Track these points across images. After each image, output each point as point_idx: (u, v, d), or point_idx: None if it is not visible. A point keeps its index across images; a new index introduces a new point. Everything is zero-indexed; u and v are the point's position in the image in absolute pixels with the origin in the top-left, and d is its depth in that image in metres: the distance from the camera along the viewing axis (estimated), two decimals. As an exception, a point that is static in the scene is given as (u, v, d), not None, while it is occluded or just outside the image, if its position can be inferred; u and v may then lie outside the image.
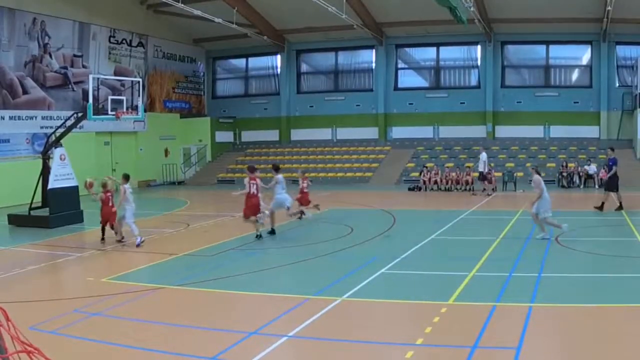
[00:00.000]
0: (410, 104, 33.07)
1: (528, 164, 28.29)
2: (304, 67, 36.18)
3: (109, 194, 13.97)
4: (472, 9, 24.15)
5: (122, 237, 13.73)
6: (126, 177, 13.97)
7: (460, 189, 25.20)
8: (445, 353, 6.47)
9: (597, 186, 24.36)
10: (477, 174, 24.58)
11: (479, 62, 32.17)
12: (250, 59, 36.95)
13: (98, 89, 18.78)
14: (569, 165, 26.43)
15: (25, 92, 24.76)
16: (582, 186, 25.33)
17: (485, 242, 12.60)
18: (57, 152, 17.36)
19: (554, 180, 26.34)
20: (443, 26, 29.01)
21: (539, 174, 13.49)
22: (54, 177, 17.02)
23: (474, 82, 32.57)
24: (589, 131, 30.28)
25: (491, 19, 29.39)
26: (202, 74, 36.66)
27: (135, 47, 30.92)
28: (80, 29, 27.37)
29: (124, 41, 30.05)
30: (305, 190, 16.70)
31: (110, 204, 13.93)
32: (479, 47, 31.95)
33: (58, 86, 26.30)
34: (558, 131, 30.67)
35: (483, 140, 31.10)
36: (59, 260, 12.08)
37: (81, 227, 16.62)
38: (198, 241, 13.71)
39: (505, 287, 8.95)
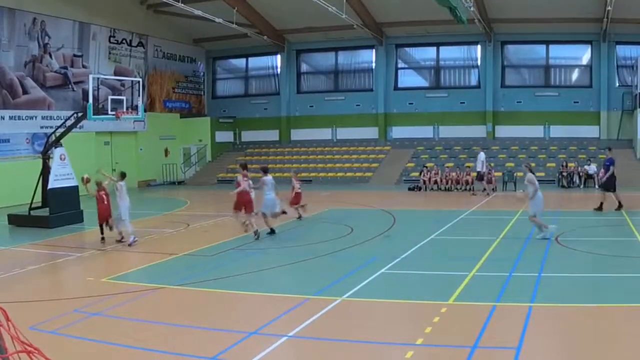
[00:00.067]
0: (410, 103, 33.06)
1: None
2: (304, 67, 36.18)
3: (102, 192, 13.98)
4: (472, 9, 24.15)
5: (122, 238, 13.74)
6: (122, 175, 14.08)
7: (460, 189, 25.20)
8: (445, 353, 6.47)
9: (596, 186, 24.33)
10: (475, 174, 24.59)
11: (479, 62, 32.16)
12: (250, 59, 36.95)
13: (98, 89, 18.78)
14: (569, 165, 26.43)
15: (25, 92, 24.77)
16: (582, 186, 25.33)
17: (485, 242, 12.60)
18: (57, 152, 17.36)
19: (553, 180, 26.35)
20: (443, 26, 29.01)
21: (533, 173, 13.48)
22: (54, 177, 17.02)
23: (474, 82, 32.56)
24: (589, 131, 30.27)
25: (491, 19, 29.39)
26: (202, 74, 36.66)
27: (135, 47, 30.93)
28: (80, 29, 27.37)
29: (124, 41, 30.05)
30: (297, 191, 16.77)
31: (106, 202, 13.96)
32: (479, 47, 31.95)
33: (58, 86, 26.30)
34: (558, 131, 30.66)
35: (483, 140, 31.11)
36: (59, 260, 12.08)
37: (81, 227, 16.61)
38: (198, 241, 13.71)
39: (505, 287, 8.95)
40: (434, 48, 33.12)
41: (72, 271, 11.48)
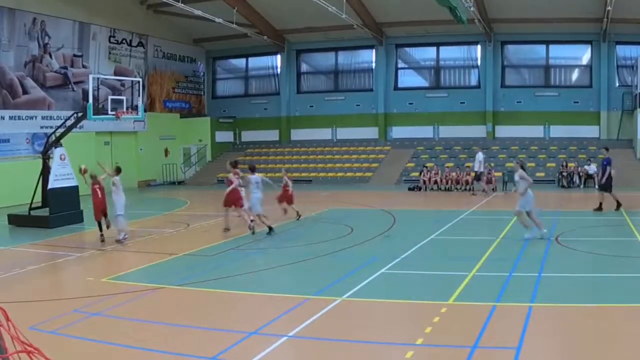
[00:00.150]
0: (410, 103, 33.07)
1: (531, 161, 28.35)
2: (304, 67, 36.18)
3: (97, 186, 14.05)
4: (472, 9, 24.15)
5: (125, 234, 13.84)
6: (117, 170, 14.19)
7: (460, 189, 25.21)
8: (445, 353, 6.47)
9: (596, 186, 24.32)
10: (474, 174, 24.60)
11: (479, 62, 32.17)
12: (250, 59, 36.96)
13: (98, 89, 18.78)
14: (569, 165, 26.44)
15: (25, 92, 24.77)
16: (582, 186, 25.33)
17: (485, 242, 12.60)
18: (57, 152, 17.36)
19: (553, 180, 26.36)
20: (443, 26, 29.02)
21: (524, 169, 13.50)
22: (54, 177, 17.02)
23: (474, 82, 32.57)
24: (589, 131, 30.28)
25: (491, 19, 29.39)
26: (202, 74, 36.67)
27: (135, 47, 30.93)
28: (80, 29, 27.37)
29: (124, 41, 30.05)
30: (287, 188, 16.86)
31: (100, 196, 14.03)
32: (479, 47, 31.95)
33: (58, 86, 26.31)
34: (558, 131, 30.67)
35: (483, 140, 31.11)
36: (59, 260, 12.07)
37: (81, 227, 16.60)
38: (198, 241, 13.71)
39: (505, 287, 8.95)
40: (434, 48, 33.13)
41: (72, 271, 11.48)
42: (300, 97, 35.36)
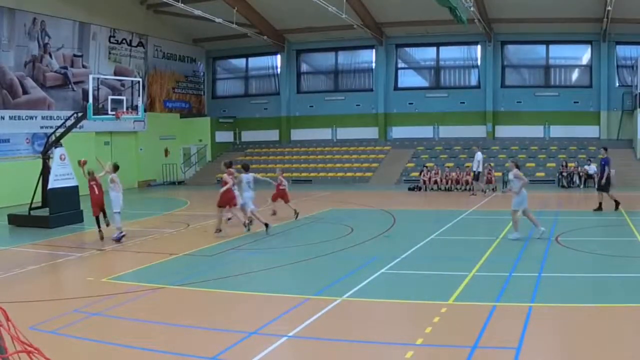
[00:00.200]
0: (410, 103, 33.07)
1: (530, 162, 28.33)
2: (304, 67, 36.18)
3: (93, 182, 14.22)
4: (472, 9, 24.15)
5: (124, 233, 13.95)
6: (115, 167, 14.39)
7: (460, 189, 25.21)
8: (445, 353, 6.47)
9: (596, 186, 24.34)
10: (473, 174, 24.60)
11: (479, 62, 32.17)
12: (250, 59, 36.96)
13: (98, 89, 18.78)
14: (569, 165, 26.44)
15: (25, 92, 24.76)
16: (582, 186, 25.33)
17: (485, 242, 12.60)
18: (57, 152, 17.36)
19: (553, 180, 26.36)
20: (443, 26, 29.01)
21: (519, 168, 13.55)
22: (54, 177, 17.02)
23: (474, 82, 32.57)
24: (589, 131, 30.28)
25: (491, 19, 29.39)
26: (202, 74, 36.66)
27: (135, 47, 30.93)
28: (80, 29, 27.37)
29: (124, 41, 30.05)
30: (281, 187, 16.95)
31: (97, 192, 14.19)
32: (479, 47, 31.95)
33: (58, 86, 26.30)
34: (558, 131, 30.68)
35: (483, 140, 31.10)
36: (59, 260, 12.08)
37: (81, 227, 16.60)
38: (198, 241, 13.71)
39: (505, 287, 8.95)
40: (434, 48, 33.13)
41: (72, 271, 11.47)
42: (300, 97, 35.36)
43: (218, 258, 11.92)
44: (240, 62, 37.55)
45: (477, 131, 31.74)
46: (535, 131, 30.98)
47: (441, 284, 9.39)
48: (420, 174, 26.63)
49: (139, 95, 19.29)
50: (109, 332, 7.24)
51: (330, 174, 30.77)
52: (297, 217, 16.74)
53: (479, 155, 24.13)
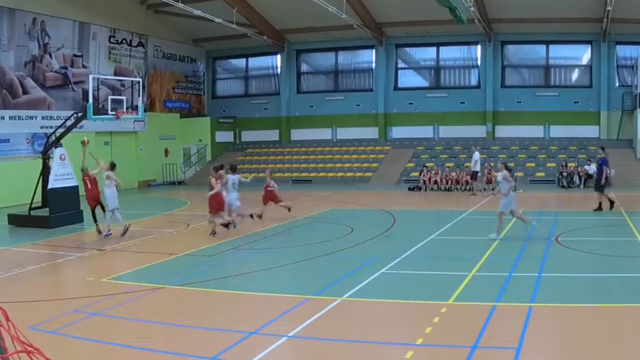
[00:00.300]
0: (410, 103, 33.06)
1: (525, 162, 28.33)
2: (304, 67, 36.17)
3: (86, 178, 14.64)
4: (472, 9, 24.14)
5: (126, 229, 14.31)
6: (112, 166, 14.78)
7: (460, 189, 25.21)
8: (445, 353, 6.47)
9: (595, 186, 24.33)
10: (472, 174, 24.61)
11: (479, 62, 32.16)
12: (250, 59, 36.95)
13: (98, 89, 18.79)
14: (569, 165, 26.43)
15: (25, 92, 24.76)
16: (582, 186, 25.32)
17: (485, 242, 12.60)
18: (57, 152, 17.36)
19: (553, 180, 26.35)
20: (443, 26, 29.01)
21: (509, 170, 13.61)
22: (54, 177, 17.02)
23: (474, 82, 32.56)
24: (589, 131, 30.27)
25: (491, 19, 29.39)
26: (202, 74, 36.66)
27: (135, 47, 30.92)
28: (80, 29, 27.37)
29: (124, 41, 30.05)
30: (269, 189, 16.96)
31: (90, 187, 14.62)
32: (479, 47, 31.94)
33: (58, 86, 26.30)
34: (558, 131, 30.67)
35: (483, 140, 31.11)
36: (59, 260, 12.08)
37: (81, 227, 16.60)
38: (198, 241, 13.72)
39: (505, 287, 8.95)
40: (434, 48, 33.12)
41: (72, 271, 11.48)
42: (300, 97, 35.36)
43: (218, 258, 11.92)
44: (240, 62, 37.54)
45: (477, 131, 31.73)
46: (535, 131, 30.97)
47: (441, 284, 9.39)
48: (420, 174, 26.63)
49: (139, 95, 19.29)
50: (109, 332, 7.24)
51: (330, 174, 30.77)
52: (290, 210, 16.88)
53: (476, 155, 24.13)
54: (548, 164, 27.99)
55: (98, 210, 14.68)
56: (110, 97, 17.99)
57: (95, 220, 14.55)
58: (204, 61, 36.76)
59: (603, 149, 18.62)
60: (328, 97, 34.54)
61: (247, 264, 11.49)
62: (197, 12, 26.70)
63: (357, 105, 33.91)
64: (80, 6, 27.19)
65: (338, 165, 31.58)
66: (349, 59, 34.83)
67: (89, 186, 14.67)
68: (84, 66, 27.49)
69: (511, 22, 29.39)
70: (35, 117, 25.11)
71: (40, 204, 17.40)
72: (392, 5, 29.17)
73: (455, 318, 7.54)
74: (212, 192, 14.43)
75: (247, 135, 36.47)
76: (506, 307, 7.90)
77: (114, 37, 29.36)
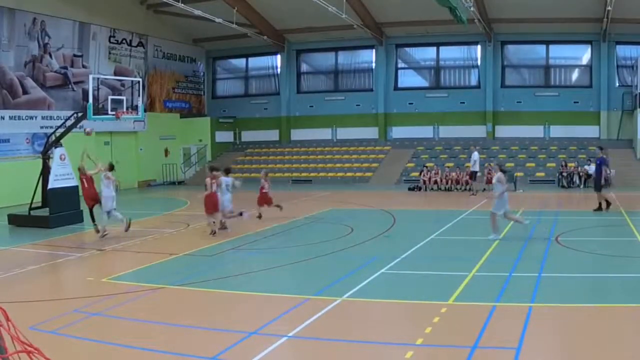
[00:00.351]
0: (410, 103, 33.06)
1: (524, 163, 28.33)
2: (304, 67, 36.17)
3: (83, 177, 14.82)
4: (472, 9, 24.14)
5: (128, 226, 14.37)
6: (111, 166, 14.85)
7: (460, 189, 25.21)
8: (445, 353, 6.47)
9: (594, 186, 24.31)
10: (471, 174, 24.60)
11: (479, 62, 32.16)
12: (250, 59, 36.94)
13: (98, 89, 18.78)
14: (569, 165, 26.43)
15: (25, 92, 24.76)
16: (582, 186, 25.32)
17: (485, 242, 12.60)
18: (57, 152, 17.36)
19: (553, 180, 26.35)
20: (443, 26, 29.00)
21: (504, 172, 13.63)
22: (54, 177, 17.02)
23: (474, 82, 32.56)
24: (589, 131, 30.26)
25: (491, 19, 29.39)
26: (202, 74, 36.65)
27: (135, 47, 30.92)
28: (80, 29, 27.37)
29: (124, 41, 30.05)
30: (264, 191, 16.98)
31: (87, 185, 14.77)
32: (479, 47, 31.94)
33: (58, 86, 26.29)
34: (558, 131, 30.66)
35: (483, 140, 31.11)
36: (59, 260, 12.08)
37: (81, 227, 16.60)
38: (198, 241, 13.72)
39: (505, 287, 8.95)
40: (434, 48, 33.11)
41: (72, 271, 11.48)
42: (300, 97, 35.36)
43: (218, 258, 11.92)
44: (240, 62, 37.53)
45: (477, 131, 31.72)
46: (535, 131, 30.97)
47: (441, 284, 9.39)
48: (420, 174, 26.63)
49: (139, 95, 19.29)
50: (109, 332, 7.24)
51: (330, 174, 30.77)
52: (281, 209, 17.01)
53: (475, 155, 24.14)
54: (548, 164, 27.99)
55: (97, 209, 14.73)
56: (110, 97, 17.99)
57: (93, 220, 14.63)
58: (204, 61, 36.75)
59: (601, 148, 18.61)
60: (328, 97, 34.54)
61: (247, 264, 11.49)
62: (197, 12, 26.70)
63: (357, 105, 33.91)
64: (80, 6, 27.19)
65: (338, 165, 31.58)
66: (349, 59, 34.83)
67: (86, 185, 14.82)
68: (84, 66, 27.49)
69: (511, 22, 29.39)
70: (35, 117, 25.11)
71: (40, 204, 17.40)
72: (392, 5, 29.17)
73: (455, 318, 7.54)
74: (206, 193, 14.51)
75: (247, 135, 36.47)
76: (506, 307, 7.90)
77: (114, 37, 29.36)
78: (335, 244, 12.99)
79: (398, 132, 33.31)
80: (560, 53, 31.28)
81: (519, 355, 6.15)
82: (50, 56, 25.90)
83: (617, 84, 30.00)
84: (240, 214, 15.28)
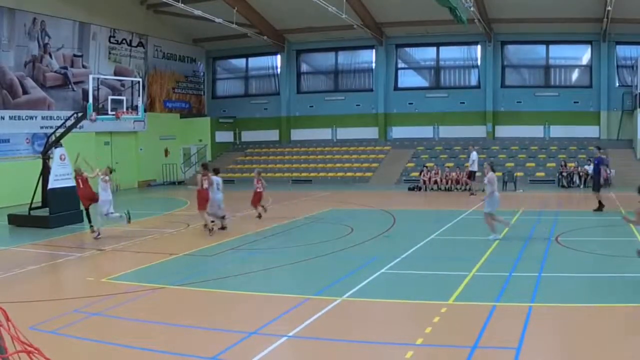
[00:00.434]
0: (410, 103, 33.06)
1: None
2: (304, 67, 36.17)
3: (79, 178, 14.99)
4: (472, 9, 24.14)
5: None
6: (110, 170, 14.95)
7: (460, 189, 25.21)
8: (445, 353, 6.47)
9: (593, 186, 24.31)
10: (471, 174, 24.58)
11: (479, 62, 32.16)
12: (250, 59, 36.94)
13: (98, 89, 18.77)
14: (569, 165, 26.43)
15: (25, 92, 24.76)
16: (582, 186, 25.31)
17: (485, 242, 12.60)
18: (57, 152, 17.36)
19: (553, 180, 26.35)
20: (443, 26, 29.01)
21: (494, 171, 13.64)
22: (54, 177, 17.02)
23: (474, 82, 32.56)
24: (589, 131, 30.26)
25: (491, 19, 29.39)
26: (202, 74, 36.65)
27: (135, 47, 30.92)
28: (80, 29, 27.36)
29: (124, 41, 30.04)
30: (258, 191, 16.99)
31: (82, 186, 14.99)
32: (479, 47, 31.94)
33: (58, 86, 26.29)
34: (558, 131, 30.66)
35: (483, 140, 31.11)
36: (59, 260, 12.08)
37: (81, 227, 16.59)
38: (198, 241, 13.72)
39: (505, 287, 8.95)
40: (434, 48, 33.11)
41: (72, 271, 11.48)
42: (300, 97, 35.36)
43: (218, 258, 11.92)
44: (240, 62, 37.53)
45: (477, 131, 31.72)
46: (535, 131, 30.97)
47: (441, 284, 9.39)
48: (420, 174, 26.63)
49: (139, 95, 19.30)
50: (109, 332, 7.24)
51: (330, 174, 30.77)
52: (265, 210, 16.95)
53: (474, 155, 24.15)
54: (548, 164, 27.99)
55: (93, 209, 14.76)
56: (110, 97, 18.00)
57: (89, 220, 14.61)
58: (204, 61, 36.75)
59: (599, 148, 18.57)
60: (328, 97, 34.54)
61: (247, 264, 11.49)
62: (197, 12, 26.69)
63: (357, 105, 33.91)
64: (80, 6, 27.19)
65: (338, 165, 31.58)
66: (349, 59, 34.82)
67: (81, 185, 14.98)
68: (84, 66, 27.49)
69: (511, 22, 29.38)
70: (35, 117, 25.11)
71: (40, 204, 17.40)
72: (392, 5, 29.17)
73: (455, 318, 7.54)
74: (197, 188, 14.66)
75: (247, 135, 36.47)
76: (506, 307, 7.90)
77: (114, 37, 29.35)
78: (335, 244, 12.99)
79: (398, 132, 33.31)
80: (560, 53, 31.28)
81: (519, 355, 6.16)
82: (50, 56, 25.90)
83: (617, 84, 30.00)
84: (223, 216, 15.16)
